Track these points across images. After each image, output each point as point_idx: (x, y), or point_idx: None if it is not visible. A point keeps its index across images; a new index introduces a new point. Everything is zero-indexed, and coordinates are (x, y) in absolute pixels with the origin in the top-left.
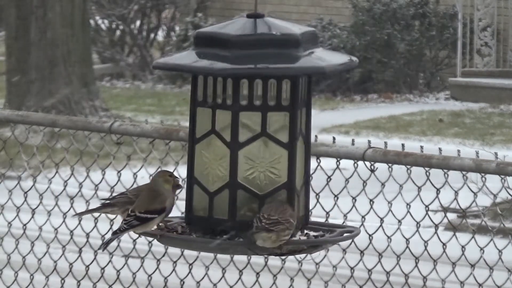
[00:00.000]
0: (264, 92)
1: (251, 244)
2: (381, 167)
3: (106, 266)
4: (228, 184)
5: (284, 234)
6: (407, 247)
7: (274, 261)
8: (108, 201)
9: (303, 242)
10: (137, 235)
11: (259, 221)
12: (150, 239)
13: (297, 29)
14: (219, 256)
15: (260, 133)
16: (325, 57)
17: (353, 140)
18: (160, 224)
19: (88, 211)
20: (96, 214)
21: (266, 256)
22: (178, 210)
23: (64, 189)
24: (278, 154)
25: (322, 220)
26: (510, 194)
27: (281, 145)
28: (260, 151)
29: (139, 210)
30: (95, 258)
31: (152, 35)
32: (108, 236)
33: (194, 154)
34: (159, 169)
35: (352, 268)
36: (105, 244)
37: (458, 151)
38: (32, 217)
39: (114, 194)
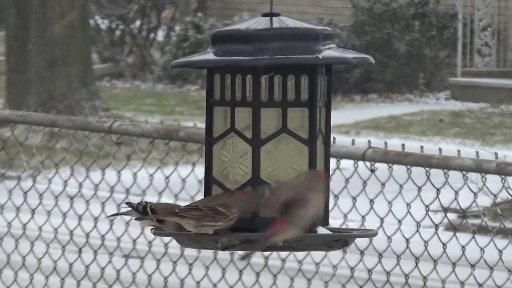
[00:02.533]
0: (283, 88)
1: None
2: (381, 167)
3: (106, 266)
4: (250, 181)
5: (207, 222)
6: (407, 247)
7: (274, 261)
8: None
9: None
10: (138, 235)
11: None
12: (150, 239)
13: (313, 26)
14: (219, 256)
15: (280, 130)
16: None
17: (353, 140)
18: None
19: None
20: (96, 214)
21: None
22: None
23: (64, 189)
24: (297, 150)
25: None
26: (510, 194)
27: (301, 141)
28: (281, 148)
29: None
30: (95, 258)
31: (152, 35)
32: (109, 235)
33: (212, 154)
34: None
35: (352, 268)
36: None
37: (458, 151)
38: (32, 217)
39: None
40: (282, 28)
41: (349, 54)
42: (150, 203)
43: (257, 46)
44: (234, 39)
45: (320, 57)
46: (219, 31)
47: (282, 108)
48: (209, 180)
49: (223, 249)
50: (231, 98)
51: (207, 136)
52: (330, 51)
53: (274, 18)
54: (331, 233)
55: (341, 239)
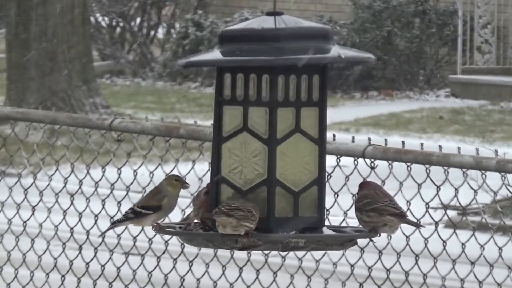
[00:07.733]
0: (298, 88)
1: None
2: (381, 164)
3: (106, 263)
4: (266, 181)
5: (245, 222)
6: (407, 244)
7: (274, 258)
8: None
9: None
10: (138, 232)
11: (219, 208)
12: (150, 236)
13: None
14: (219, 253)
15: (294, 129)
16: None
17: (353, 137)
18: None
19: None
20: (96, 212)
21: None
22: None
23: (64, 186)
24: (308, 150)
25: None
26: (510, 192)
27: (312, 140)
28: (293, 148)
29: (137, 205)
30: (95, 255)
31: (152, 32)
32: (109, 232)
33: (220, 153)
34: (173, 171)
35: (352, 266)
36: (104, 233)
37: (458, 148)
38: (32, 214)
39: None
40: (296, 27)
41: (363, 53)
42: (133, 206)
43: (272, 45)
44: (247, 39)
45: (343, 56)
46: (229, 30)
47: (296, 107)
48: (217, 179)
49: (242, 249)
50: (244, 98)
51: (216, 135)
52: (347, 50)
53: (281, 17)
54: (347, 233)
55: (353, 239)
